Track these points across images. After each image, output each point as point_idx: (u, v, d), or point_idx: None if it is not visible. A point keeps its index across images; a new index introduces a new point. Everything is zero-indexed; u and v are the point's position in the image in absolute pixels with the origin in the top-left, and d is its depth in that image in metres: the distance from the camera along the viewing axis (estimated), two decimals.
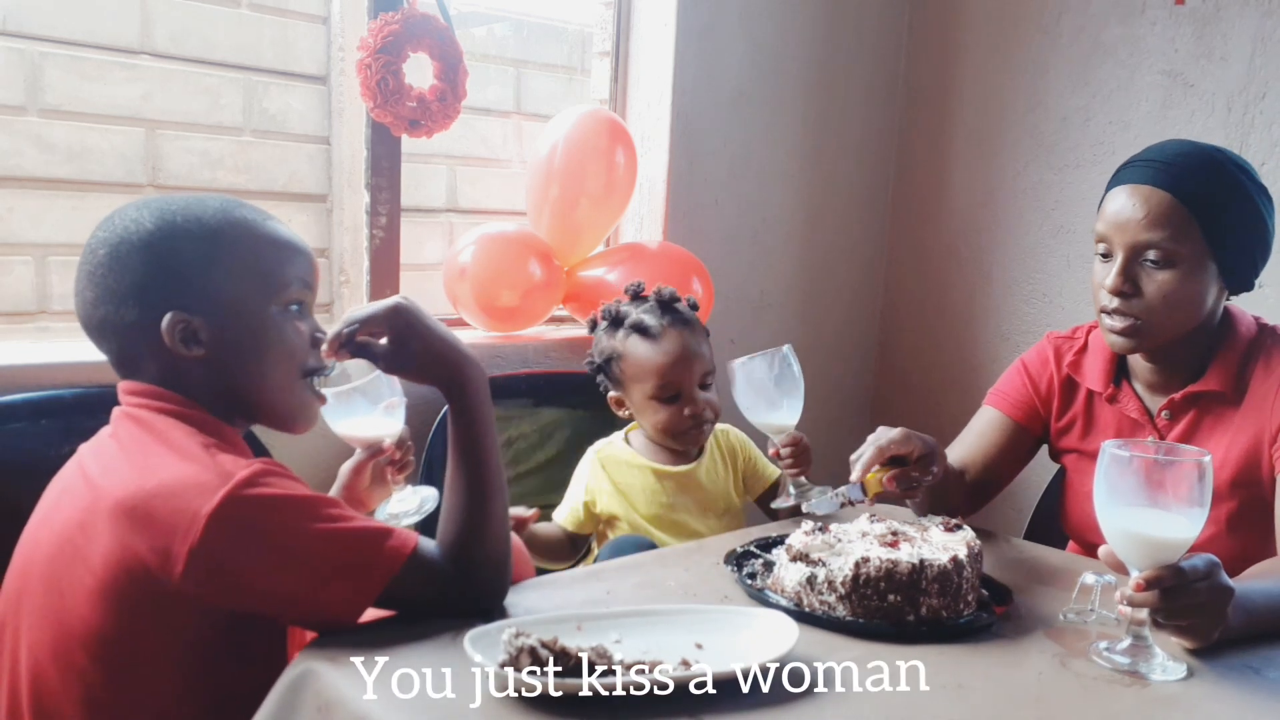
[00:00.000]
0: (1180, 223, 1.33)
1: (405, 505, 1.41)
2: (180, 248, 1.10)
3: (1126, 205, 1.36)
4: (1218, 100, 2.22)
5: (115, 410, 1.13)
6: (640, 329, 1.61)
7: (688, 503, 1.65)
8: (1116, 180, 1.41)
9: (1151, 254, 1.35)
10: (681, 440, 1.64)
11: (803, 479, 1.51)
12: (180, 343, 1.09)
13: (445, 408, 1.18)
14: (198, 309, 1.09)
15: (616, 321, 1.65)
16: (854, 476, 1.30)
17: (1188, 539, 1.03)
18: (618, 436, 1.71)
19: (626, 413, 1.68)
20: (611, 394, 1.69)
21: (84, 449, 1.13)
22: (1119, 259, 1.37)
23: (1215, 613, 1.06)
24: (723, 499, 1.68)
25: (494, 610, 1.10)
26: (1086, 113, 2.44)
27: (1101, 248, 1.40)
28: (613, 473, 1.65)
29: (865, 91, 2.72)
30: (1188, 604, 1.04)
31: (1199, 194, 1.33)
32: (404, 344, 1.13)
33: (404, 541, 1.05)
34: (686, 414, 1.60)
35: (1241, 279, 1.40)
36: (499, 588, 1.12)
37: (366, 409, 1.36)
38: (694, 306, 1.68)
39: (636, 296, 1.68)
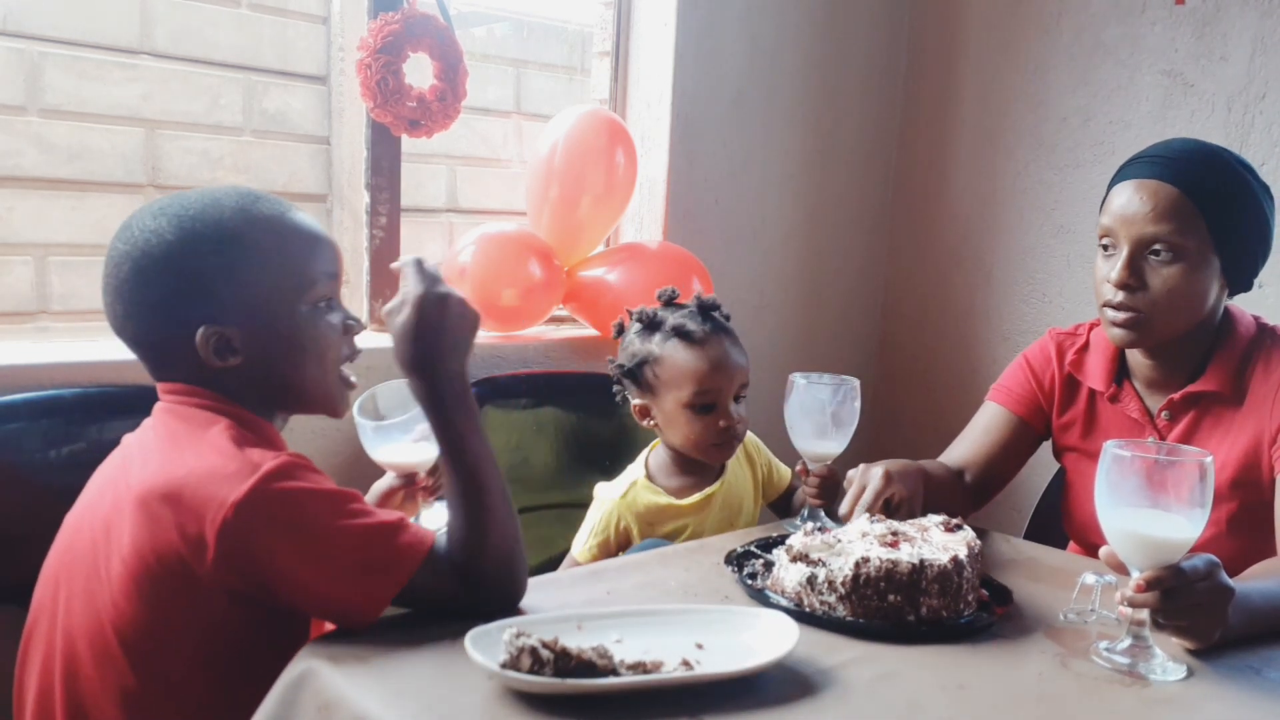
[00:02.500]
0: (1187, 217, 1.34)
1: (435, 523, 1.42)
2: (204, 258, 1.09)
3: (1134, 199, 1.36)
4: (1218, 100, 2.22)
5: (156, 405, 1.14)
6: (682, 333, 1.54)
7: (715, 522, 1.59)
8: (1122, 176, 1.41)
9: (1158, 247, 1.35)
10: (710, 454, 1.56)
11: (822, 512, 1.48)
12: (215, 355, 1.10)
13: None
14: (229, 319, 1.10)
15: (653, 325, 1.57)
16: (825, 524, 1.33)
17: (1189, 539, 1.02)
18: (637, 471, 1.61)
19: (650, 423, 1.59)
20: (636, 402, 1.59)
21: (127, 440, 1.15)
22: (1124, 252, 1.37)
23: (1215, 613, 1.06)
24: (746, 513, 1.64)
25: (509, 613, 1.09)
26: (1087, 112, 2.44)
27: (1105, 242, 1.40)
28: (644, 521, 1.56)
29: (865, 91, 2.72)
30: (1188, 604, 1.04)
31: (1206, 189, 1.34)
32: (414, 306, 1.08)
33: (422, 539, 1.06)
34: (721, 426, 1.52)
35: (1242, 277, 1.41)
36: (510, 591, 1.10)
37: (400, 438, 1.38)
38: (727, 318, 1.61)
39: (671, 302, 1.61)
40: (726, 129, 2.44)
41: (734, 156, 2.47)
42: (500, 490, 1.11)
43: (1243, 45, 2.18)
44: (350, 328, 1.20)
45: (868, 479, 1.35)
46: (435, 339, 1.09)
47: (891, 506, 1.34)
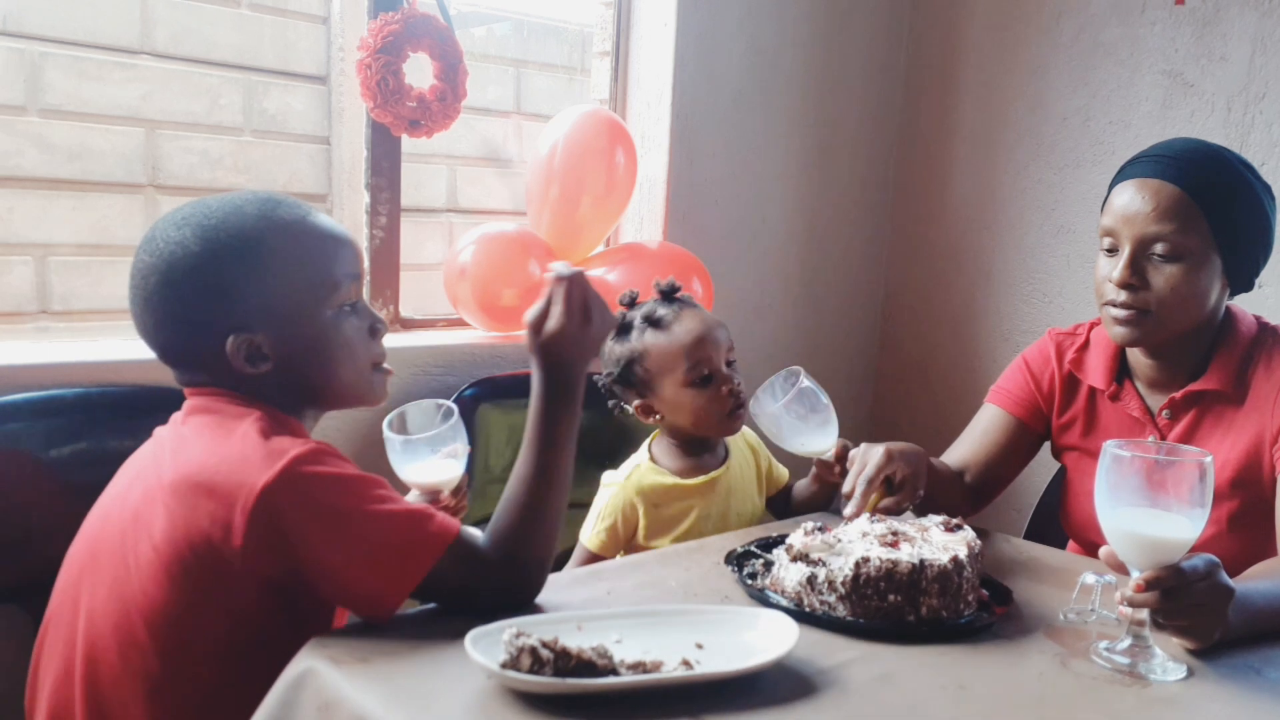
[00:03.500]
0: (1189, 216, 1.34)
1: None
2: (229, 267, 1.10)
3: (1135, 199, 1.36)
4: (1218, 100, 2.22)
5: (186, 402, 1.16)
6: (653, 320, 1.57)
7: (722, 510, 1.60)
8: (1123, 175, 1.42)
9: (1159, 247, 1.35)
10: (724, 425, 1.57)
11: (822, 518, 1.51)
12: (247, 362, 1.11)
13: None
14: (258, 326, 1.11)
15: (625, 328, 1.60)
16: (848, 513, 1.32)
17: (1188, 539, 1.02)
18: (641, 457, 1.63)
19: (656, 418, 1.60)
20: (637, 402, 1.60)
21: (159, 432, 1.17)
22: (1126, 251, 1.37)
23: (1215, 613, 1.06)
24: (750, 500, 1.65)
25: (522, 607, 1.10)
26: (1087, 113, 2.44)
27: (1107, 242, 1.40)
28: (649, 503, 1.57)
29: (865, 91, 2.72)
30: (1187, 604, 1.04)
31: (1206, 188, 1.34)
32: (566, 312, 1.14)
33: (448, 527, 1.07)
34: (725, 392, 1.53)
35: (1244, 276, 1.41)
36: (538, 585, 1.13)
37: (428, 456, 1.38)
38: (688, 298, 1.63)
39: (633, 303, 1.63)
40: (726, 129, 2.44)
41: (734, 156, 2.46)
42: (565, 493, 1.15)
43: (1243, 45, 2.18)
44: (376, 331, 1.21)
45: (869, 457, 1.36)
46: (578, 341, 1.14)
47: (894, 485, 1.35)
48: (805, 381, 1.47)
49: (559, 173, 2.09)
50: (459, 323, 2.16)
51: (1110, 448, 1.05)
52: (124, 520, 1.09)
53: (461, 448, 1.41)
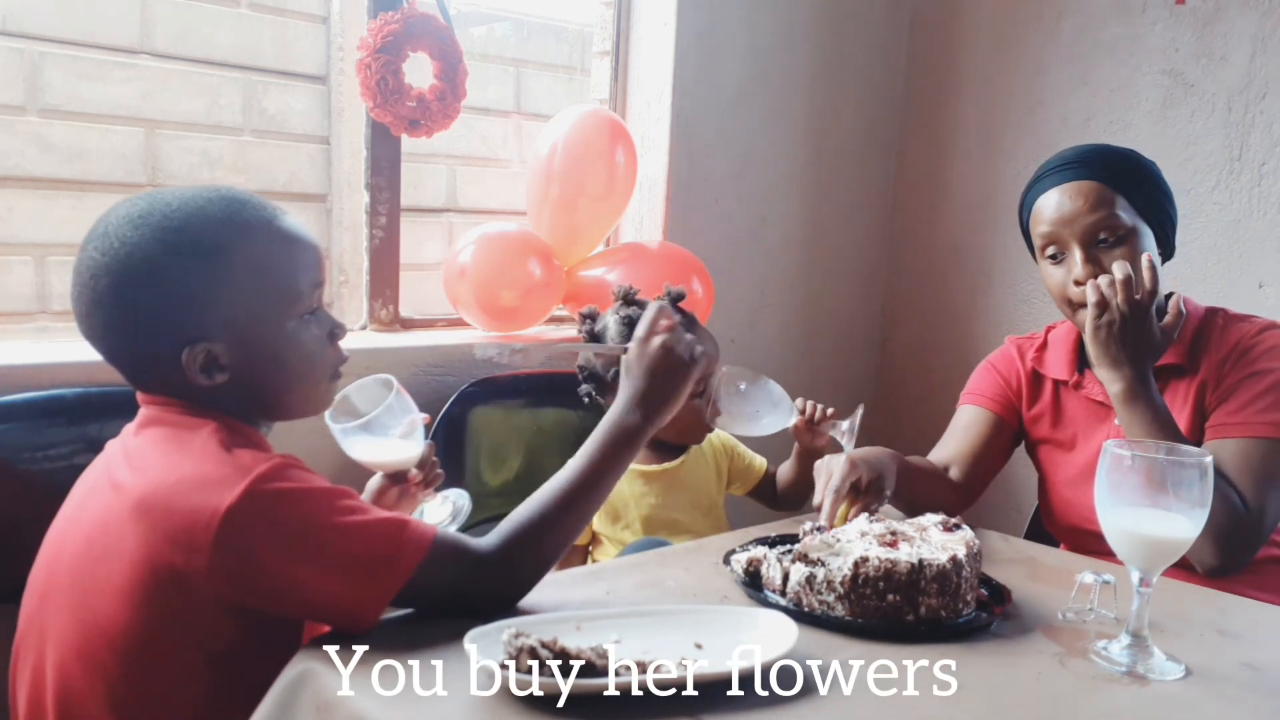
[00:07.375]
0: (1113, 201, 1.45)
1: (438, 515, 1.40)
2: (187, 275, 1.05)
3: (1065, 201, 1.47)
4: (1218, 100, 2.22)
5: (140, 411, 1.12)
6: (689, 329, 1.61)
7: (676, 500, 1.66)
8: (1038, 190, 1.52)
9: (1103, 235, 1.45)
10: (701, 433, 1.66)
11: (837, 422, 1.55)
12: (202, 373, 1.07)
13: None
14: (215, 334, 1.06)
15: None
16: (821, 523, 1.32)
17: (1189, 538, 1.03)
18: None
19: None
20: None
21: (111, 446, 1.13)
22: (1077, 250, 1.46)
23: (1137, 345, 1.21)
24: (706, 496, 1.71)
25: (508, 607, 1.09)
26: (1087, 112, 2.44)
27: (1051, 250, 1.49)
28: None
29: (865, 91, 2.72)
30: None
31: (1115, 173, 1.47)
32: (660, 347, 1.19)
33: (423, 532, 1.04)
34: (708, 405, 1.59)
35: (1168, 240, 1.51)
36: (530, 585, 1.11)
37: (384, 435, 1.33)
38: None
39: (680, 298, 1.65)
40: (726, 129, 2.44)
41: (734, 156, 2.47)
42: (590, 513, 1.18)
43: (1243, 45, 2.18)
44: (335, 336, 1.17)
45: (833, 468, 1.38)
46: (631, 362, 1.20)
47: (860, 490, 1.36)
48: (739, 377, 1.49)
49: (559, 173, 2.09)
50: (459, 323, 2.16)
51: (1110, 447, 1.05)
52: (79, 543, 1.06)
53: (417, 418, 1.34)
